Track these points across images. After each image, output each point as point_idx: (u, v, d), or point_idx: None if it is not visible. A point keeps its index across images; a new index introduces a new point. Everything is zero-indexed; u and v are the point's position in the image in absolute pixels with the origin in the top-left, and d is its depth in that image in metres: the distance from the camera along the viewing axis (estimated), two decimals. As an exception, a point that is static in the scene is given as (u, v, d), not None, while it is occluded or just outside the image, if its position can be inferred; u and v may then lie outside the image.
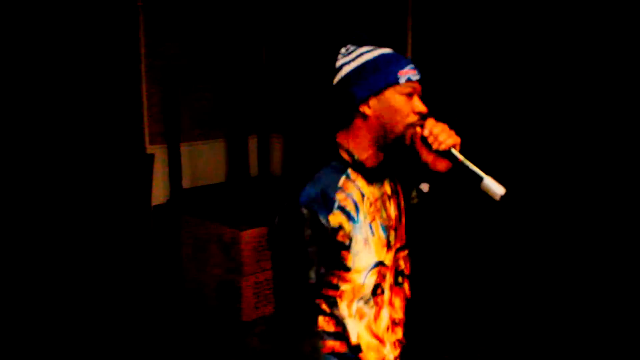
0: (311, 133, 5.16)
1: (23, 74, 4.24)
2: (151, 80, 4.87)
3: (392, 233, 1.79)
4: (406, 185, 1.91)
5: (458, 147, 1.67)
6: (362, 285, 1.71)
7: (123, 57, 4.72)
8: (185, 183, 5.01)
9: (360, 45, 1.77)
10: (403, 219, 1.86)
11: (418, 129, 1.68)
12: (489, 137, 4.21)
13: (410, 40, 4.64)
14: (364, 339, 1.75)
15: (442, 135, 1.64)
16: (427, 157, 1.70)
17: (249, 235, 4.14)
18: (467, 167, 1.64)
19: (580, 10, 3.81)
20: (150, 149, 4.89)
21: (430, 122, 1.67)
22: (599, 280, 3.78)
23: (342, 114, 1.74)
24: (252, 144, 5.48)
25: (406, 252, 1.87)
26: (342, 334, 1.73)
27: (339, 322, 1.72)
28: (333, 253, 1.67)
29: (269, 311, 4.28)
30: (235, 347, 4.00)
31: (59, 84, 4.41)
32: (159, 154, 4.91)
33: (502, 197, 1.61)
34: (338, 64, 1.75)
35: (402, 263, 1.85)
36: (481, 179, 1.62)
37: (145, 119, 4.88)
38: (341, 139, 1.75)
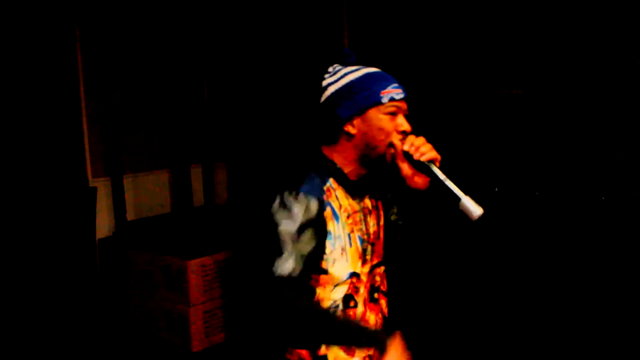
0: (255, 161, 5.19)
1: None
2: (92, 113, 4.83)
3: (369, 248, 1.83)
4: (388, 202, 1.95)
5: (438, 164, 1.70)
6: (333, 293, 1.75)
7: (62, 92, 4.68)
8: (130, 215, 4.98)
9: (346, 64, 1.84)
10: (381, 235, 1.89)
11: (399, 143, 1.71)
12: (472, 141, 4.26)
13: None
14: (332, 351, 1.77)
15: (423, 147, 1.68)
16: (407, 171, 1.72)
17: (196, 265, 4.15)
18: (445, 185, 1.66)
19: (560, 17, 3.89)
20: (93, 182, 4.84)
21: (411, 137, 1.71)
22: (595, 287, 3.82)
23: (329, 131, 1.80)
24: (196, 173, 5.48)
25: (383, 268, 1.90)
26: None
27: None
28: (318, 250, 1.71)
29: (218, 340, 4.28)
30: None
31: (3, 122, 4.35)
32: (103, 187, 4.87)
33: (479, 217, 1.61)
34: (324, 83, 1.82)
35: (378, 279, 1.88)
36: (459, 198, 1.63)
37: (87, 152, 4.84)
38: (326, 151, 1.80)
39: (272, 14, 4.99)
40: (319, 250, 1.71)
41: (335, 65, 1.85)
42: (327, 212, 1.73)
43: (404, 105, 1.76)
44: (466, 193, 1.65)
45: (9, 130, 4.38)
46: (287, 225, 1.65)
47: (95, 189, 4.76)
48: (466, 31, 4.14)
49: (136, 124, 5.12)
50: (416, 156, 1.68)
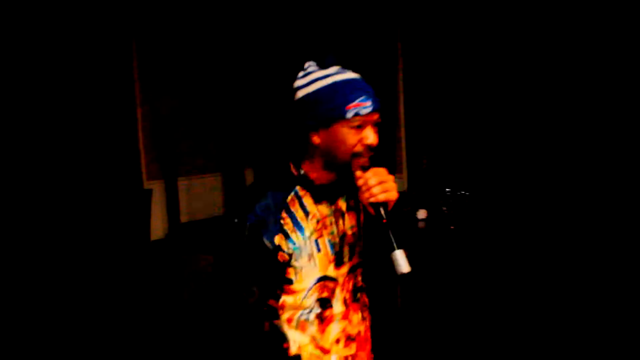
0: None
1: (30, 119, 4.28)
2: (147, 117, 4.92)
3: (347, 249, 1.83)
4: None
5: (391, 205, 1.64)
6: (304, 299, 1.78)
7: (119, 97, 4.77)
8: (183, 218, 5.05)
9: (322, 67, 1.78)
10: (361, 235, 1.87)
11: (358, 174, 1.66)
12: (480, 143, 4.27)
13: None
14: (306, 351, 1.80)
15: (375, 189, 1.62)
16: (362, 197, 1.66)
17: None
18: (386, 230, 1.60)
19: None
20: (148, 184, 4.92)
21: (370, 172, 1.65)
22: (596, 287, 3.80)
23: (298, 137, 1.79)
24: (249, 176, 5.53)
25: (360, 270, 1.90)
26: (277, 349, 1.80)
27: (274, 336, 1.80)
28: (275, 269, 1.76)
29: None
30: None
31: (64, 127, 4.44)
32: (157, 190, 4.94)
33: (403, 275, 1.57)
34: (295, 84, 1.78)
35: (360, 279, 1.90)
36: (394, 248, 1.58)
37: (142, 155, 4.92)
38: (297, 158, 1.81)
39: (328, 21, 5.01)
40: (278, 272, 1.77)
41: (309, 64, 1.80)
42: (289, 225, 1.76)
43: (372, 118, 1.70)
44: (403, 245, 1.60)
45: (68, 133, 4.48)
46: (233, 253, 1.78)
47: (150, 191, 4.83)
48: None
49: (190, 128, 5.20)
50: (365, 196, 1.63)
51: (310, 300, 1.79)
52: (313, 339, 1.80)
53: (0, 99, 4.14)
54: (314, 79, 1.73)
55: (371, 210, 1.64)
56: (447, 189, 4.21)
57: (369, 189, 1.62)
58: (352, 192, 1.82)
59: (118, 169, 4.80)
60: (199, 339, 4.41)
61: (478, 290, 4.25)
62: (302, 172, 1.79)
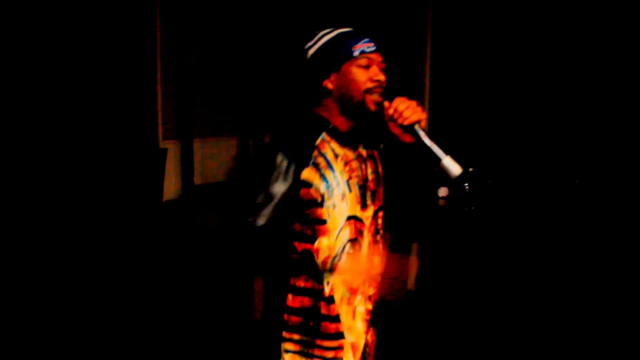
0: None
1: (49, 71, 4.22)
2: (166, 76, 4.85)
3: (369, 194, 1.91)
4: (382, 152, 2.03)
5: (423, 124, 1.77)
6: (337, 238, 1.82)
7: (139, 54, 4.70)
8: (196, 180, 5.00)
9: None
10: (381, 182, 1.97)
11: (386, 104, 1.79)
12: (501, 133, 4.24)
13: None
14: (339, 292, 1.85)
15: (406, 112, 1.75)
16: (394, 129, 1.82)
17: (265, 234, 4.12)
18: (426, 145, 1.73)
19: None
20: (163, 143, 4.86)
21: (396, 100, 1.78)
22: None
23: (311, 90, 1.90)
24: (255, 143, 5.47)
25: (382, 213, 1.98)
26: (311, 289, 1.82)
27: (311, 277, 1.83)
28: (301, 206, 1.78)
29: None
30: (246, 346, 3.98)
31: (80, 81, 4.38)
32: (172, 150, 4.88)
33: (458, 177, 1.69)
34: (305, 47, 1.91)
35: (380, 222, 1.97)
36: (440, 158, 1.70)
37: (159, 113, 4.86)
38: (317, 111, 1.89)
39: None
40: (296, 203, 1.79)
41: (315, 31, 1.93)
42: (322, 163, 1.82)
43: (377, 58, 1.85)
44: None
45: (86, 87, 4.42)
46: (263, 179, 1.77)
47: (165, 150, 4.78)
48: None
49: (209, 89, 5.12)
50: (399, 121, 1.76)
51: (343, 239, 1.84)
52: (344, 280, 1.86)
53: (21, 55, 4.07)
54: (320, 35, 1.89)
55: (406, 139, 1.80)
56: (470, 168, 4.15)
57: (400, 114, 1.76)
58: (369, 140, 1.97)
59: (135, 126, 4.75)
60: (208, 301, 4.39)
61: (494, 276, 4.24)
62: (327, 120, 1.88)
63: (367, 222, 1.91)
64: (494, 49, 4.35)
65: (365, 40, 1.84)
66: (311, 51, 1.88)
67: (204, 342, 3.96)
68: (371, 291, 1.95)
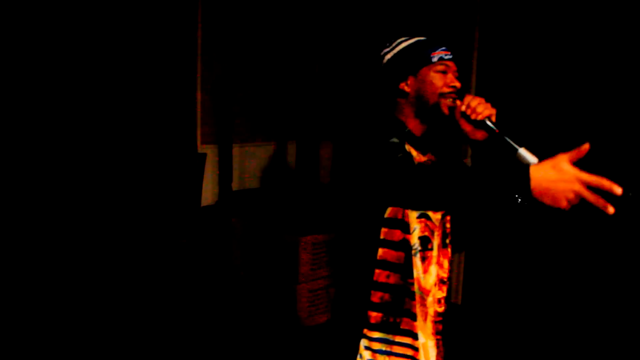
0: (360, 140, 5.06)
1: (92, 74, 4.17)
2: (206, 80, 4.78)
3: None
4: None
5: (494, 118, 1.84)
6: (413, 233, 1.88)
7: (179, 57, 4.64)
8: (234, 185, 4.91)
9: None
10: None
11: (458, 102, 1.87)
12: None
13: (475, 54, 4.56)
14: (414, 290, 1.89)
15: (479, 108, 1.83)
16: (466, 127, 1.88)
17: (308, 242, 4.04)
18: (501, 138, 1.80)
19: None
20: (201, 148, 4.79)
21: (468, 97, 1.87)
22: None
23: (387, 94, 1.99)
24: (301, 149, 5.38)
25: (449, 217, 2.02)
26: (393, 285, 1.86)
27: (397, 272, 1.86)
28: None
29: (320, 321, 4.17)
30: (291, 355, 3.89)
31: (120, 84, 4.33)
32: (210, 155, 4.80)
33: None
34: (381, 53, 2.01)
35: (449, 226, 2.02)
36: (515, 149, 1.76)
37: (198, 118, 4.78)
38: (393, 113, 1.98)
39: None
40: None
41: (391, 39, 2.03)
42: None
43: (453, 66, 1.94)
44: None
45: (126, 90, 4.36)
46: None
47: (204, 155, 4.70)
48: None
49: (248, 94, 5.05)
50: (472, 117, 1.83)
51: (417, 233, 1.90)
52: (417, 279, 1.90)
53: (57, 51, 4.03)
54: (399, 42, 1.98)
55: (477, 135, 1.87)
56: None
57: (474, 109, 1.83)
58: (439, 147, 2.04)
59: (174, 131, 4.68)
60: (248, 307, 4.31)
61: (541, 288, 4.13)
62: (406, 128, 1.95)
63: (437, 224, 1.96)
64: (541, 51, 4.25)
65: (443, 48, 1.94)
66: (388, 56, 1.98)
67: (247, 350, 3.87)
68: (440, 294, 1.98)
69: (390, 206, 1.85)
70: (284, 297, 4.12)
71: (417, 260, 1.89)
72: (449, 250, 2.04)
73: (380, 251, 1.85)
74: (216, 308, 4.34)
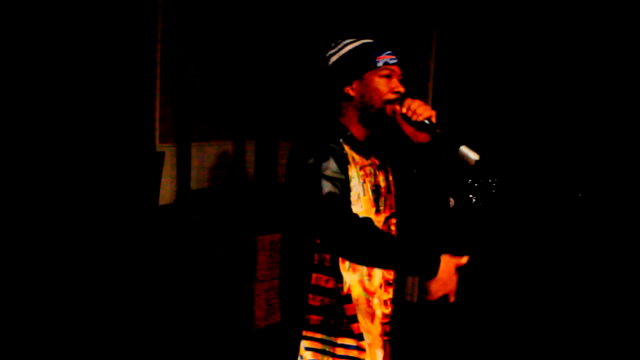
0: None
1: (46, 72, 4.12)
2: (164, 78, 4.76)
3: (382, 199, 1.99)
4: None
5: (434, 119, 1.89)
6: None
7: (138, 54, 4.61)
8: (192, 184, 4.90)
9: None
10: (392, 190, 2.06)
11: (397, 107, 1.90)
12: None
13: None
14: (355, 291, 1.91)
15: (419, 109, 1.87)
16: (408, 130, 1.94)
17: (266, 241, 4.06)
18: (442, 137, 1.86)
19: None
20: (160, 147, 4.76)
21: (407, 100, 1.90)
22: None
23: (332, 98, 1.99)
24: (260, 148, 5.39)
25: (395, 220, 2.05)
26: (332, 289, 1.88)
27: (332, 276, 1.87)
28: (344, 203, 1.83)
29: (277, 319, 4.20)
30: (246, 354, 3.91)
31: (77, 83, 4.28)
32: (168, 154, 4.78)
33: (477, 162, 1.80)
34: (327, 53, 2.00)
35: (393, 229, 2.04)
36: (457, 147, 1.82)
37: (157, 116, 4.75)
38: (335, 117, 1.98)
39: None
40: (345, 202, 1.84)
41: (338, 40, 2.02)
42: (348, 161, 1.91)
43: (397, 70, 1.95)
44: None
45: (83, 87, 4.32)
46: (326, 171, 1.79)
47: (162, 154, 4.68)
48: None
49: (206, 92, 5.04)
50: (413, 118, 1.87)
51: None
52: (361, 281, 1.92)
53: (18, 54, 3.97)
54: (344, 44, 1.97)
55: (419, 137, 1.92)
56: (470, 179, 4.13)
57: (414, 111, 1.87)
58: (382, 150, 2.06)
59: (132, 129, 4.65)
60: (205, 306, 4.31)
61: (496, 284, 4.21)
62: (346, 128, 1.95)
63: (380, 226, 1.97)
64: (497, 55, 4.33)
65: (388, 52, 1.94)
66: (334, 58, 1.96)
67: (203, 349, 3.88)
68: (386, 296, 2.00)
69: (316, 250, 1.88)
70: (241, 296, 4.13)
71: (342, 264, 1.89)
72: None
73: (317, 256, 1.87)
74: (173, 308, 4.34)
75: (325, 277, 1.87)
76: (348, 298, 1.89)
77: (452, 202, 4.06)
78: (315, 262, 1.87)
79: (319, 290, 1.88)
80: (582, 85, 3.99)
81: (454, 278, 1.78)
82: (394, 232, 2.04)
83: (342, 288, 1.87)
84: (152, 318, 4.11)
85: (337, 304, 1.88)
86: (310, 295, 1.87)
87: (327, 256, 1.87)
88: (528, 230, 4.06)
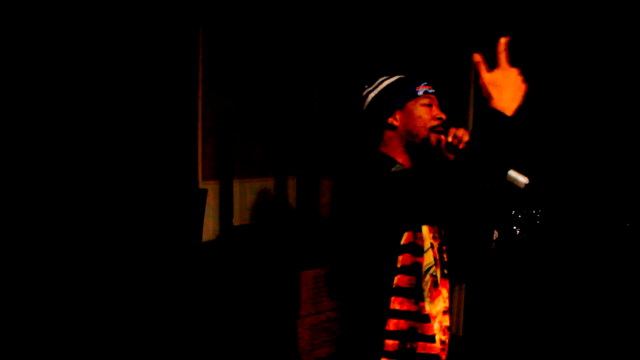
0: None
1: (98, 109, 4.25)
2: (207, 115, 4.85)
3: (436, 227, 2.03)
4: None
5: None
6: (425, 255, 1.93)
7: (181, 93, 4.71)
8: (235, 221, 4.94)
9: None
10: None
11: (442, 137, 1.93)
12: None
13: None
14: (430, 312, 1.93)
15: (464, 137, 1.90)
16: (450, 156, 1.96)
17: (308, 276, 4.06)
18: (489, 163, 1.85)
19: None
20: (203, 184, 4.83)
21: (452, 129, 1.92)
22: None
23: (374, 130, 2.04)
24: (301, 184, 5.43)
25: (445, 247, 2.07)
26: (406, 311, 1.88)
27: (411, 299, 1.88)
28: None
29: (322, 355, 4.17)
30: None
31: (122, 120, 4.40)
32: (210, 191, 4.84)
33: (526, 186, 1.81)
34: (364, 93, 2.08)
35: (445, 256, 2.06)
36: (505, 172, 1.81)
37: (199, 153, 4.83)
38: (379, 148, 2.03)
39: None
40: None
41: (372, 80, 2.10)
42: None
43: (435, 99, 2.03)
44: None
45: (126, 126, 4.42)
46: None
47: (205, 191, 4.74)
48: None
49: (248, 130, 5.11)
50: (460, 146, 1.89)
51: (431, 258, 1.95)
52: (427, 303, 1.94)
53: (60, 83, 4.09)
54: (380, 81, 2.06)
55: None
56: (513, 211, 4.09)
57: (460, 139, 1.89)
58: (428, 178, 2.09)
59: (175, 167, 4.73)
60: (250, 343, 4.30)
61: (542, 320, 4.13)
62: (391, 158, 1.99)
63: (436, 256, 2.00)
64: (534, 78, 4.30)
65: (425, 83, 2.03)
66: (373, 94, 2.04)
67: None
68: (446, 322, 2.02)
69: (407, 228, 1.89)
70: (285, 332, 4.12)
71: (425, 285, 1.92)
72: (448, 281, 2.07)
73: (396, 279, 1.88)
74: (220, 345, 4.34)
75: (400, 299, 1.88)
76: (427, 318, 1.91)
77: (496, 234, 4.03)
78: (393, 286, 1.88)
79: (395, 313, 1.88)
80: (627, 105, 3.94)
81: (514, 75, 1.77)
82: (446, 259, 2.06)
83: (423, 307, 1.90)
84: (194, 356, 4.11)
85: (413, 326, 1.88)
86: (388, 320, 1.88)
87: (407, 277, 1.88)
88: (574, 261, 3.99)
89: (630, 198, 3.89)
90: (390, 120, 2.00)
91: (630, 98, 3.92)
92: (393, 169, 1.95)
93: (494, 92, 1.75)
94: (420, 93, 2.00)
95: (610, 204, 3.98)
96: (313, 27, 5.36)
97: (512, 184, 1.82)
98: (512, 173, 1.82)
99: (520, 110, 1.76)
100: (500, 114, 1.73)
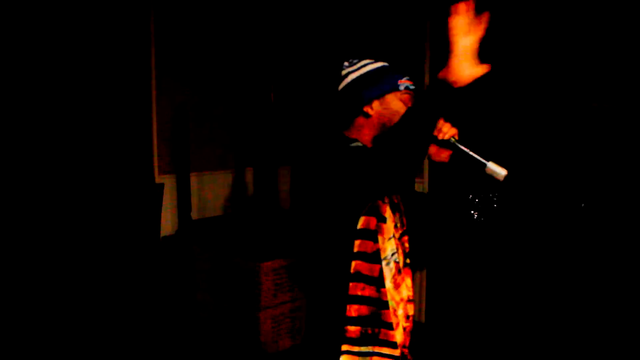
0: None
1: (42, 107, 4.14)
2: (162, 109, 4.78)
3: (398, 215, 2.00)
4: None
5: (457, 137, 1.92)
6: (387, 244, 1.89)
7: (134, 87, 4.63)
8: (193, 214, 4.89)
9: (361, 58, 2.05)
10: (402, 208, 2.05)
11: None
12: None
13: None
14: (389, 299, 1.88)
15: (444, 128, 1.89)
16: (431, 149, 1.98)
17: (268, 267, 4.04)
18: (469, 155, 1.87)
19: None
20: (159, 178, 4.76)
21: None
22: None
23: (346, 115, 1.99)
24: (259, 175, 5.40)
25: (407, 237, 2.05)
26: (368, 297, 1.84)
27: (372, 286, 1.84)
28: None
29: (285, 346, 4.16)
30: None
31: (73, 115, 4.31)
32: (168, 185, 4.78)
33: (505, 177, 1.83)
34: (344, 72, 2.03)
35: (407, 246, 2.04)
36: (484, 164, 1.84)
37: (155, 147, 4.76)
38: (345, 132, 1.99)
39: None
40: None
41: (350, 59, 2.05)
42: None
43: (413, 98, 1.99)
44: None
45: (79, 123, 4.33)
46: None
47: (162, 185, 4.68)
48: (557, 42, 4.02)
49: (204, 122, 5.05)
50: (440, 136, 1.90)
51: (391, 249, 1.91)
52: (389, 289, 1.89)
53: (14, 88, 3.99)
54: (363, 64, 2.00)
55: (441, 155, 1.97)
56: (471, 195, 4.10)
57: (440, 130, 1.89)
58: None
59: (130, 161, 4.65)
60: (208, 336, 4.27)
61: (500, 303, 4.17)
62: (358, 142, 1.94)
63: (396, 243, 1.96)
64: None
65: (408, 77, 1.99)
66: (353, 75, 2.00)
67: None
68: (411, 310, 2.00)
69: (369, 199, 1.84)
70: (247, 324, 4.10)
71: (388, 272, 1.87)
72: (410, 269, 2.04)
73: (354, 264, 1.83)
74: (179, 336, 4.30)
75: (361, 285, 1.84)
76: (386, 304, 1.86)
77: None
78: (351, 272, 1.83)
79: (355, 299, 1.84)
80: (582, 88, 3.98)
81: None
82: (408, 249, 2.04)
83: (385, 293, 1.86)
84: (156, 351, 4.07)
85: (375, 312, 1.85)
86: (348, 306, 1.84)
87: (367, 264, 1.84)
88: (532, 243, 4.03)
89: (585, 179, 3.94)
90: (366, 108, 1.95)
91: (586, 80, 3.96)
92: (352, 145, 1.92)
93: (454, 60, 1.66)
94: (402, 87, 1.96)
95: (566, 186, 4.03)
96: (267, 16, 5.31)
97: (491, 176, 1.83)
98: (491, 165, 1.82)
99: (471, 86, 1.71)
100: (447, 85, 1.67)
